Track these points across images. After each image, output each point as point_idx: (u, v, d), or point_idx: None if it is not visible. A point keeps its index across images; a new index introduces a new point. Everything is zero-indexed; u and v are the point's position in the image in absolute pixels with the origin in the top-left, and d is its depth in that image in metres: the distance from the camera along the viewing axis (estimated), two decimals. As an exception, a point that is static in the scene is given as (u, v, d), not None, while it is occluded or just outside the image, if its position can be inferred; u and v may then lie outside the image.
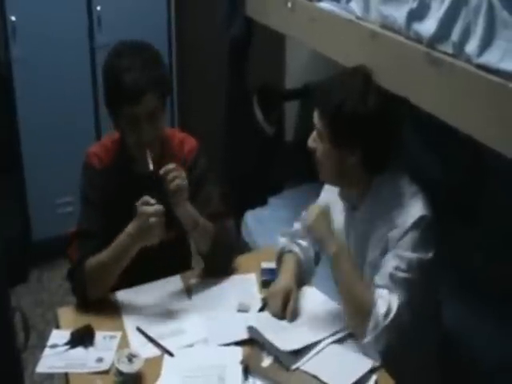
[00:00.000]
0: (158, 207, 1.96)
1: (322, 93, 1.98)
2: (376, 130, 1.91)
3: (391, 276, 1.85)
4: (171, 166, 2.00)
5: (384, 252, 1.91)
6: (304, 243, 2.21)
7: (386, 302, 1.83)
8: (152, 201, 1.96)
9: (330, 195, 2.19)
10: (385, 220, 1.92)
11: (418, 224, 1.85)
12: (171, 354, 1.88)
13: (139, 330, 1.98)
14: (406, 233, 1.86)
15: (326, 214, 1.97)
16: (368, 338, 1.81)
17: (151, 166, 2.00)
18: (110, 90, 2.08)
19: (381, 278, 1.88)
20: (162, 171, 1.97)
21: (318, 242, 2.01)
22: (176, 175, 1.98)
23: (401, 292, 1.83)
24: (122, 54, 2.06)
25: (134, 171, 2.16)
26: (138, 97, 1.99)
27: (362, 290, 1.88)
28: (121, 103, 2.02)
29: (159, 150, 2.14)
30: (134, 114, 2.01)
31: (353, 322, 1.87)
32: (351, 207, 2.06)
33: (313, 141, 2.00)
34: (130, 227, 2.00)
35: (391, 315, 1.80)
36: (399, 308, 1.81)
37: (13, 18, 3.44)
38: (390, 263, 1.87)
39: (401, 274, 1.85)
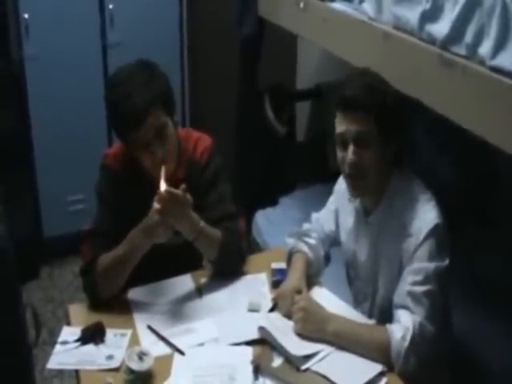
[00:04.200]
0: (160, 207, 1.94)
1: (357, 95, 1.87)
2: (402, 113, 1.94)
3: (409, 293, 1.84)
4: (179, 192, 1.96)
5: (400, 269, 1.90)
6: (313, 241, 2.21)
7: (401, 325, 1.82)
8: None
9: (339, 198, 2.19)
10: (398, 228, 1.91)
11: (432, 233, 1.84)
12: (182, 353, 1.88)
13: (150, 328, 1.98)
14: (421, 243, 1.85)
15: (309, 310, 1.91)
16: (396, 368, 1.79)
17: (163, 187, 1.97)
18: (112, 122, 2.11)
19: (399, 297, 1.87)
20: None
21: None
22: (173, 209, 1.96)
23: (421, 307, 1.82)
24: (117, 84, 2.05)
25: (148, 177, 2.15)
26: (138, 123, 1.98)
27: (373, 335, 1.85)
28: (126, 132, 2.04)
29: (176, 158, 2.15)
30: (140, 138, 2.01)
31: (380, 360, 1.82)
32: (364, 213, 2.05)
33: (355, 154, 1.88)
34: (140, 225, 2.01)
35: (409, 335, 1.78)
36: (420, 324, 1.80)
37: (26, 16, 3.45)
38: (407, 280, 1.86)
39: (419, 289, 1.83)
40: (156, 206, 1.95)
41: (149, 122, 1.99)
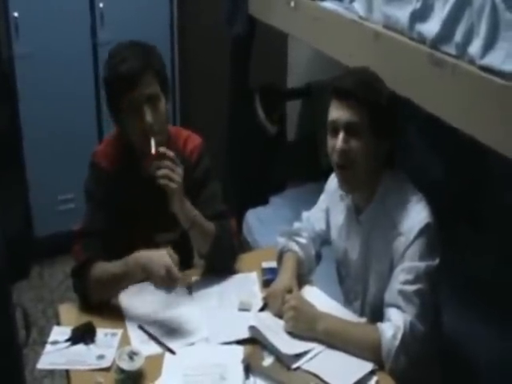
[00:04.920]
0: (175, 270, 1.90)
1: (353, 86, 1.89)
2: (396, 114, 1.95)
3: (400, 292, 1.85)
4: (171, 153, 1.99)
5: (391, 267, 1.91)
6: (303, 241, 2.21)
7: (391, 323, 1.82)
8: (173, 255, 1.93)
9: (330, 196, 2.19)
10: (389, 226, 1.91)
11: (423, 232, 1.85)
12: (172, 352, 1.88)
13: (140, 327, 1.98)
14: (412, 242, 1.85)
15: (300, 309, 1.91)
16: (387, 366, 1.79)
17: (153, 150, 1.98)
18: (108, 83, 2.11)
19: (390, 296, 1.88)
20: (161, 150, 1.97)
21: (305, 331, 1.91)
22: (169, 165, 1.97)
23: (412, 306, 1.83)
24: (117, 51, 2.10)
25: (140, 173, 2.16)
26: (134, 81, 2.01)
27: (364, 334, 1.86)
28: (120, 92, 2.04)
29: (166, 136, 2.15)
30: (133, 98, 2.03)
31: (371, 359, 1.82)
32: (355, 211, 2.05)
33: (344, 142, 1.89)
34: (143, 260, 1.96)
35: (399, 334, 1.79)
36: (411, 323, 1.81)
37: (15, 14, 3.44)
38: (398, 278, 1.86)
39: (409, 288, 1.84)
40: (167, 261, 1.90)
41: (143, 83, 2.02)
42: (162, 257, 1.93)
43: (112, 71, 2.07)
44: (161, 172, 1.96)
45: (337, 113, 1.91)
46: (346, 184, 1.98)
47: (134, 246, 2.12)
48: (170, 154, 1.99)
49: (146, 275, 1.96)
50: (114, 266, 2.03)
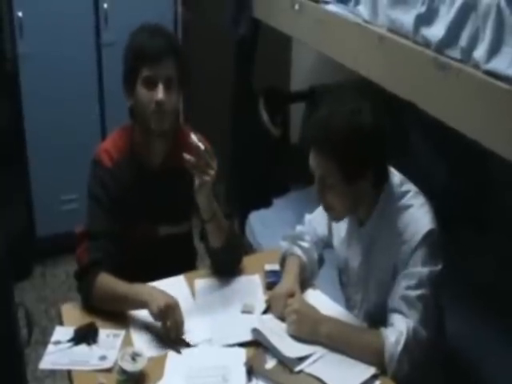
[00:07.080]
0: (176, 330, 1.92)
1: (318, 138, 1.82)
2: (379, 143, 1.84)
3: (403, 297, 1.84)
4: (209, 147, 1.99)
5: (394, 274, 1.90)
6: (306, 245, 2.20)
7: (394, 329, 1.82)
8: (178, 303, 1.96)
9: None
10: (392, 235, 1.90)
11: (426, 238, 1.84)
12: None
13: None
14: (415, 248, 1.84)
15: (302, 313, 1.92)
16: (389, 371, 1.79)
17: (201, 145, 1.94)
18: (132, 53, 2.14)
19: (393, 301, 1.87)
20: (200, 144, 1.95)
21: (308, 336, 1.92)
22: (206, 159, 1.96)
23: (415, 312, 1.82)
24: (146, 27, 2.17)
25: (144, 165, 2.17)
26: (159, 57, 2.07)
27: (367, 338, 1.86)
28: (142, 64, 2.08)
29: (172, 143, 2.16)
30: (153, 74, 2.07)
31: (374, 363, 1.81)
32: (358, 222, 2.04)
33: (321, 196, 1.90)
34: (145, 296, 1.95)
35: (402, 340, 1.78)
36: (414, 328, 1.80)
37: (20, 14, 3.44)
38: (401, 284, 1.86)
39: (413, 293, 1.83)
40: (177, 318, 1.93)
41: (165, 63, 2.07)
42: (164, 294, 1.95)
43: (139, 43, 2.13)
44: (197, 164, 1.95)
45: (311, 164, 1.88)
46: (334, 220, 2.06)
47: (136, 240, 2.13)
48: (208, 147, 1.99)
49: (144, 308, 1.96)
50: (118, 286, 2.02)
